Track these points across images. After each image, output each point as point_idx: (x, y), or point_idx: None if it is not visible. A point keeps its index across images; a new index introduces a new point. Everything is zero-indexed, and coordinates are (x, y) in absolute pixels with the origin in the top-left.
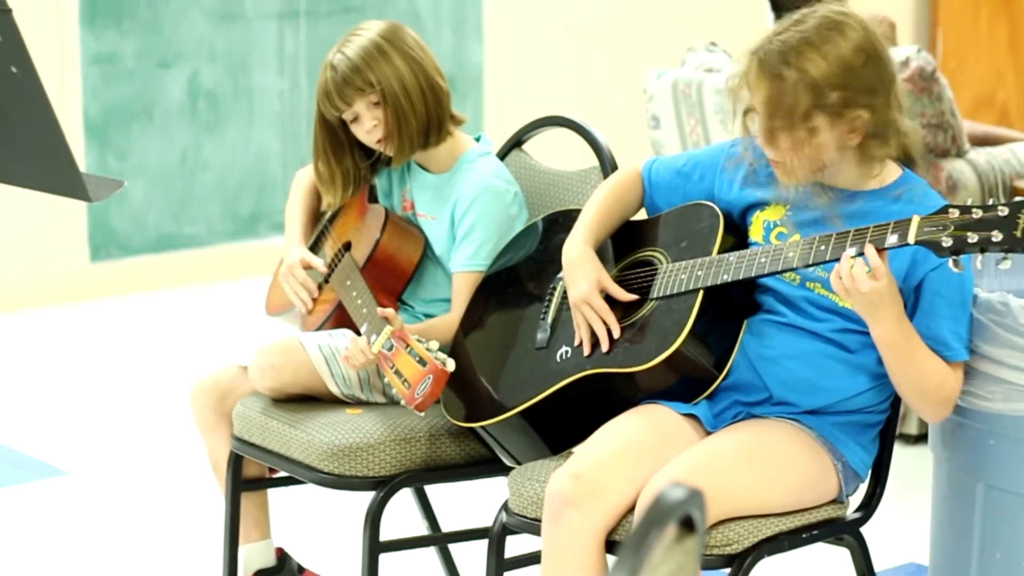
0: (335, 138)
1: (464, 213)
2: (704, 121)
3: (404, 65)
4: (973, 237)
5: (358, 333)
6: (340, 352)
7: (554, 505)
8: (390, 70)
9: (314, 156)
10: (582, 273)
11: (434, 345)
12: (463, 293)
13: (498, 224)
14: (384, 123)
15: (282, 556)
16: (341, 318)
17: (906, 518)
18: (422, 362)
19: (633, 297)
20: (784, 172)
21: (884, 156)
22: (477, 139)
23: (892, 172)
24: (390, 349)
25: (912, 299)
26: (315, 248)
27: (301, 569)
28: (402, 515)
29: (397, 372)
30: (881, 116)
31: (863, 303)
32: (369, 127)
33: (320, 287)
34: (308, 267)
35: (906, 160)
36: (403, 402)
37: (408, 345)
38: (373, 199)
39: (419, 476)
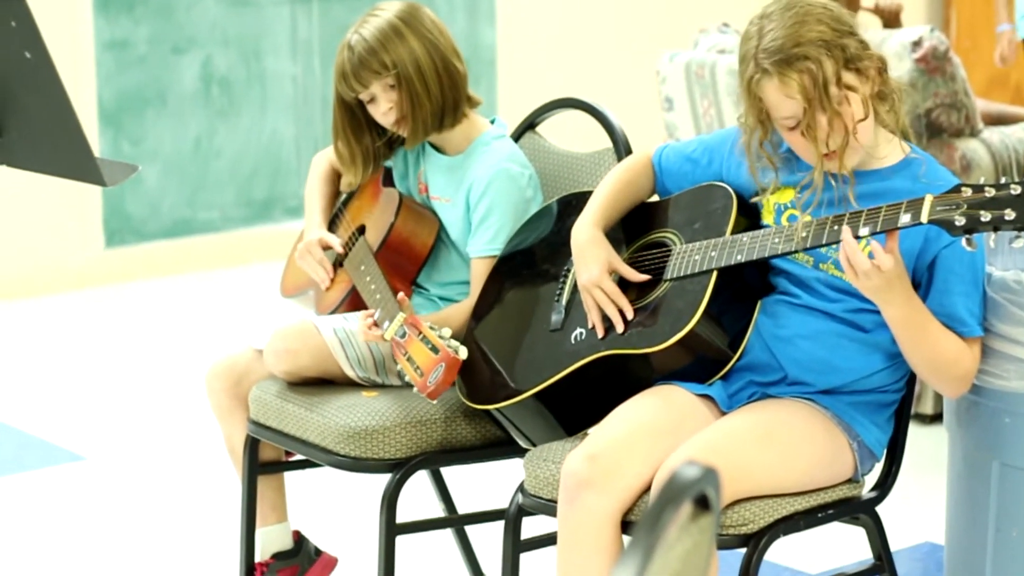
0: (353, 118)
1: (479, 197)
2: (718, 103)
3: (420, 47)
4: (986, 216)
5: None
6: (355, 335)
7: (570, 486)
8: (406, 52)
9: (333, 136)
10: (591, 256)
11: (447, 332)
12: (482, 278)
13: (514, 207)
14: (399, 105)
15: (299, 539)
16: (356, 301)
17: (921, 497)
18: (434, 350)
19: (644, 277)
20: (831, 162)
21: (892, 124)
22: (492, 122)
23: (900, 150)
24: (403, 336)
25: (925, 277)
26: (330, 231)
27: (318, 552)
28: (418, 497)
29: (410, 359)
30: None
31: (872, 285)
32: (385, 109)
33: (335, 269)
34: (326, 247)
35: (903, 134)
36: (415, 390)
37: (421, 332)
38: (387, 182)
39: (435, 458)
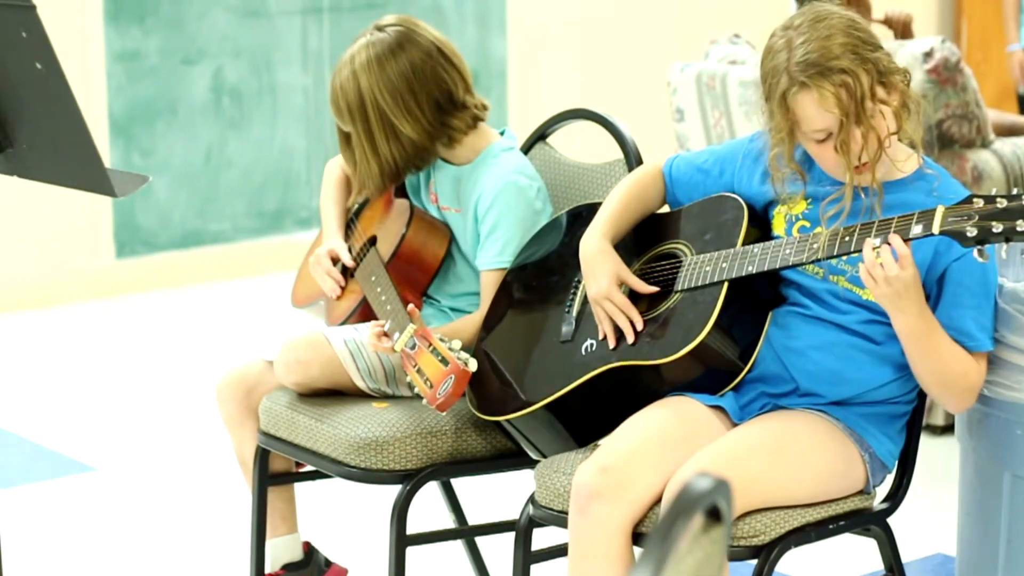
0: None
1: (487, 210)
2: (728, 113)
3: (387, 97)
4: (998, 227)
5: None
6: (365, 346)
7: (581, 498)
8: (360, 118)
9: (344, 157)
10: (600, 268)
11: (456, 345)
12: (491, 291)
13: (522, 219)
14: (349, 159)
15: (309, 550)
16: (367, 312)
17: (933, 509)
18: (444, 362)
19: (653, 289)
20: (861, 175)
21: (911, 135)
22: (501, 133)
23: (912, 162)
24: (413, 348)
25: (935, 290)
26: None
27: (328, 563)
28: (429, 509)
29: (419, 371)
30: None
31: (889, 293)
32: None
33: (346, 279)
34: (335, 259)
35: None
36: (425, 401)
37: (431, 344)
38: (399, 194)
39: (445, 469)
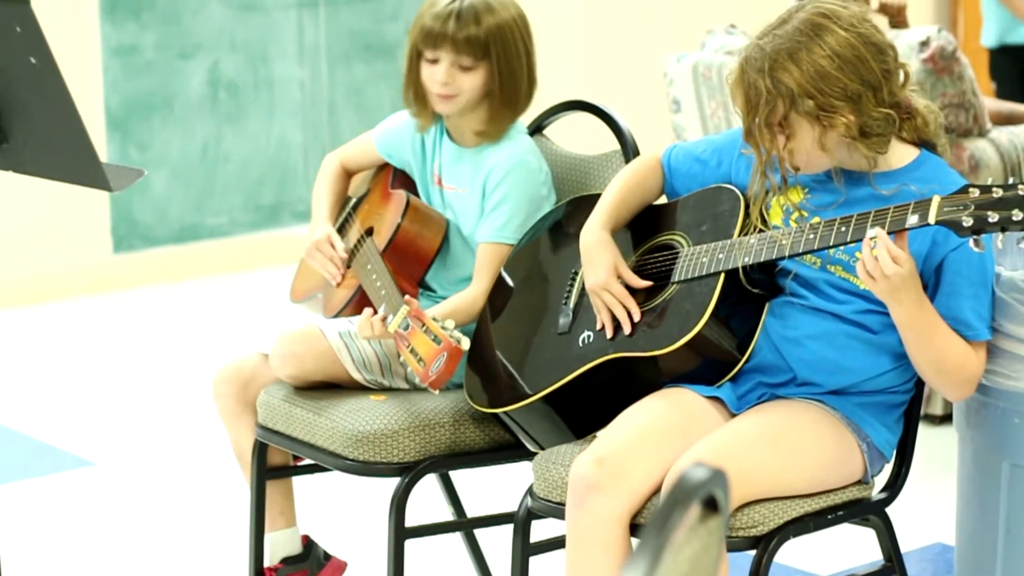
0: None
1: (497, 184)
2: (725, 104)
3: (516, 57)
4: (993, 216)
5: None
6: (359, 338)
7: (578, 490)
8: (503, 55)
9: (405, 80)
10: (599, 259)
11: (449, 324)
12: (488, 265)
13: (528, 200)
14: (455, 87)
15: (308, 544)
16: (362, 302)
17: (932, 498)
18: (436, 340)
19: (646, 283)
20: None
21: (882, 149)
22: None
23: (909, 153)
24: (406, 328)
25: (933, 280)
26: (340, 234)
27: (327, 556)
28: (427, 501)
29: (412, 351)
30: (867, 116)
31: (886, 287)
32: (442, 79)
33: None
34: (332, 245)
35: (923, 143)
36: (418, 380)
37: (424, 324)
38: (396, 185)
39: (443, 462)
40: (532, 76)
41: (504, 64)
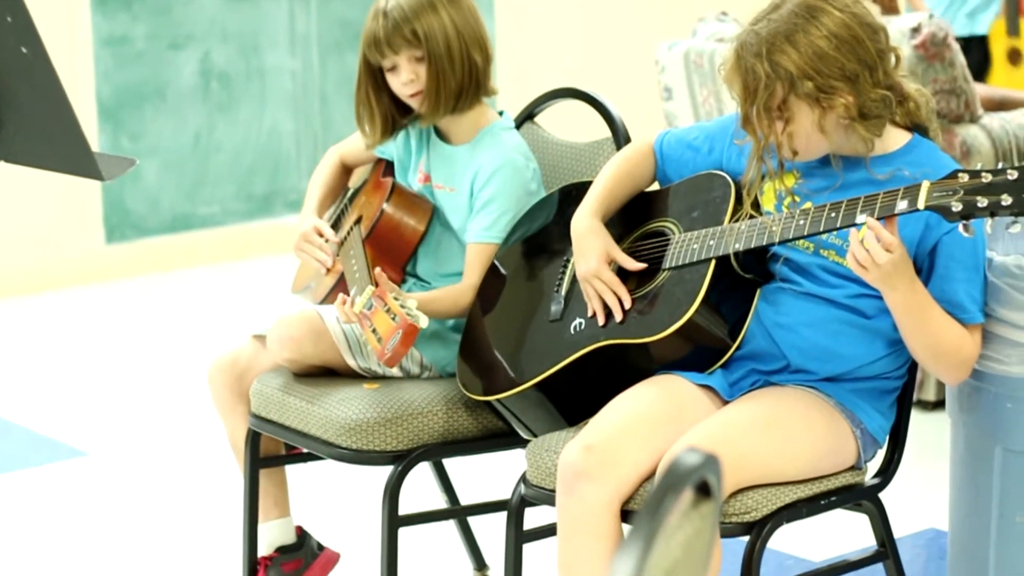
0: (375, 80)
1: (484, 184)
2: (717, 92)
3: (452, 26)
4: (983, 201)
5: None
6: (357, 325)
7: (567, 477)
8: (438, 27)
9: (356, 98)
10: (589, 246)
11: (411, 303)
12: (476, 264)
13: (516, 199)
14: (420, 79)
15: (302, 534)
16: (343, 290)
17: (925, 484)
18: (395, 318)
19: (641, 266)
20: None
21: (879, 131)
22: (500, 114)
23: (901, 137)
24: (370, 309)
25: (927, 263)
26: (335, 226)
27: (321, 547)
28: (421, 489)
29: (374, 330)
30: (865, 96)
31: (879, 275)
32: (405, 79)
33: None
34: (322, 235)
35: (916, 127)
36: (376, 358)
37: (386, 304)
38: (387, 175)
39: (437, 450)
40: (483, 49)
41: (435, 45)
